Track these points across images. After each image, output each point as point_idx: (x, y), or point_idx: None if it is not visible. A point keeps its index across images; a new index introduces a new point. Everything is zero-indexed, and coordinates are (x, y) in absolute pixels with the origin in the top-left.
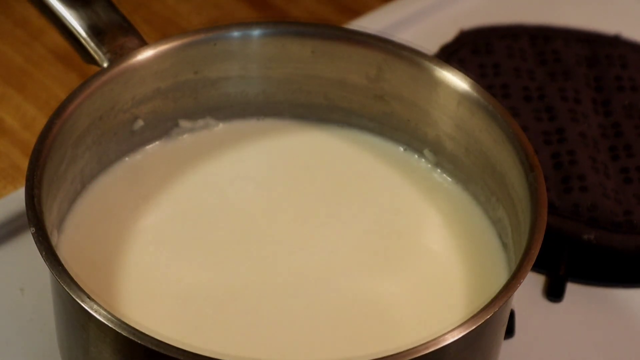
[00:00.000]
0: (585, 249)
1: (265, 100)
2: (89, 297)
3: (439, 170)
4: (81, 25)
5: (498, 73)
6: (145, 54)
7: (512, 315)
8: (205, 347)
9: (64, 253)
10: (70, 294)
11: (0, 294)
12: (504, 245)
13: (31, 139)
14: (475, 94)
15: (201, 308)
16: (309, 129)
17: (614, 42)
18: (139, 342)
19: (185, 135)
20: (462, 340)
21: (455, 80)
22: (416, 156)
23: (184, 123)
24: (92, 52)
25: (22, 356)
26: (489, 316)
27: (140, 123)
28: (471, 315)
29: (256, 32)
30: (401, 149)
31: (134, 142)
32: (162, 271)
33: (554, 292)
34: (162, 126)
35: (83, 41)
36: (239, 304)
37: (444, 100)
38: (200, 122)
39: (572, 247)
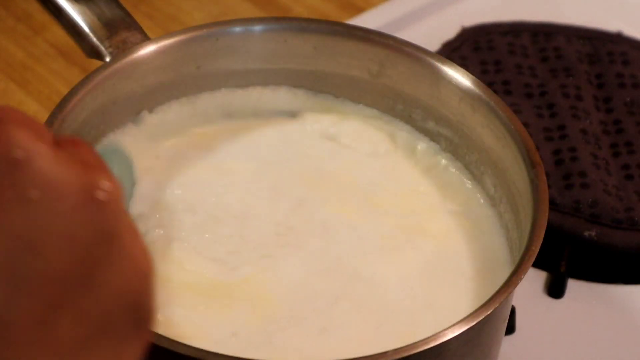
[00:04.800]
0: (586, 246)
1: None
2: None
3: (444, 161)
4: (84, 20)
5: (499, 70)
6: (148, 49)
7: (513, 311)
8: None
9: None
10: None
11: None
12: (508, 240)
13: None
14: (476, 91)
15: (209, 301)
16: (310, 114)
17: (616, 39)
18: None
19: (187, 128)
20: (463, 336)
21: (457, 76)
22: (422, 145)
23: (186, 116)
24: (94, 46)
25: None
26: (489, 312)
27: (142, 117)
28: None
29: (258, 28)
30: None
31: (136, 136)
32: (165, 266)
33: (554, 289)
34: (164, 119)
35: (86, 36)
36: (245, 295)
37: (446, 97)
38: (202, 116)
39: (573, 243)
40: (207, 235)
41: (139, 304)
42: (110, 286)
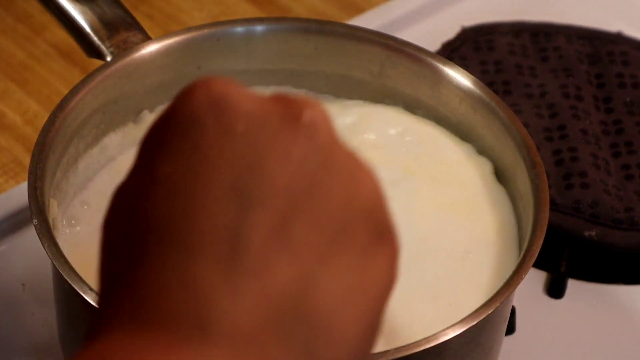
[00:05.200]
0: (587, 246)
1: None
2: (90, 288)
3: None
4: (85, 20)
5: (500, 70)
6: (149, 49)
7: (513, 312)
8: None
9: (65, 245)
10: (72, 285)
11: (1, 288)
12: (508, 241)
13: (33, 134)
14: (477, 91)
15: None
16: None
17: (616, 39)
18: None
19: None
20: (463, 335)
21: (458, 77)
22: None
23: None
24: (95, 46)
25: (23, 350)
26: (490, 312)
27: (142, 117)
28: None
29: (259, 28)
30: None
31: (136, 135)
32: None
33: (555, 289)
34: None
35: (87, 35)
36: None
37: (446, 97)
38: None
39: (573, 243)
40: None
41: (373, 214)
42: (335, 195)
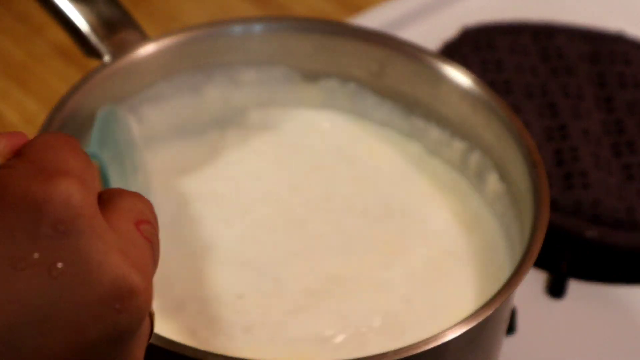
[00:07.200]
0: (588, 246)
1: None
2: None
3: (443, 163)
4: (83, 19)
5: (500, 69)
6: (147, 49)
7: (513, 312)
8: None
9: None
10: None
11: None
12: (509, 241)
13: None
14: (477, 90)
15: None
16: (310, 114)
17: (617, 39)
18: None
19: (187, 128)
20: (463, 336)
21: (458, 76)
22: (420, 146)
23: (186, 117)
24: (93, 46)
25: None
26: (490, 313)
27: (141, 117)
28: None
29: (257, 28)
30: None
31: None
32: (166, 268)
33: (555, 290)
34: (163, 120)
35: (85, 35)
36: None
37: (446, 97)
38: (202, 116)
39: (574, 244)
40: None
41: None
42: None
